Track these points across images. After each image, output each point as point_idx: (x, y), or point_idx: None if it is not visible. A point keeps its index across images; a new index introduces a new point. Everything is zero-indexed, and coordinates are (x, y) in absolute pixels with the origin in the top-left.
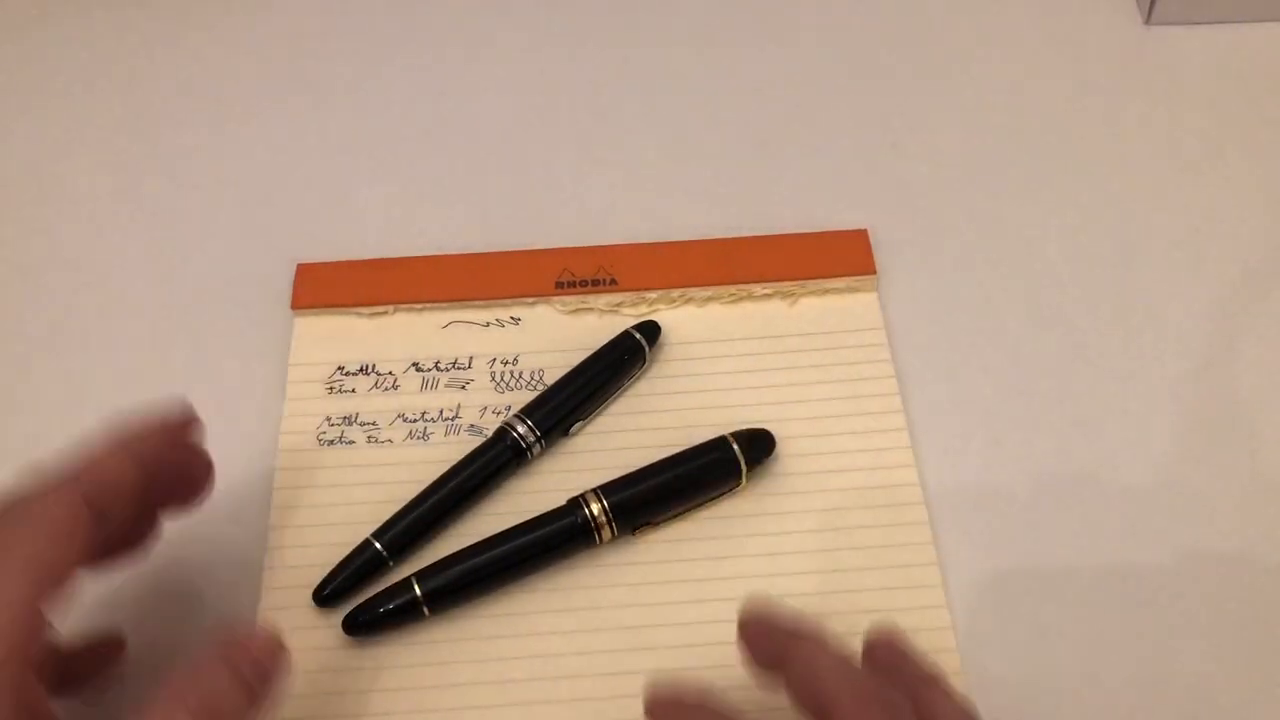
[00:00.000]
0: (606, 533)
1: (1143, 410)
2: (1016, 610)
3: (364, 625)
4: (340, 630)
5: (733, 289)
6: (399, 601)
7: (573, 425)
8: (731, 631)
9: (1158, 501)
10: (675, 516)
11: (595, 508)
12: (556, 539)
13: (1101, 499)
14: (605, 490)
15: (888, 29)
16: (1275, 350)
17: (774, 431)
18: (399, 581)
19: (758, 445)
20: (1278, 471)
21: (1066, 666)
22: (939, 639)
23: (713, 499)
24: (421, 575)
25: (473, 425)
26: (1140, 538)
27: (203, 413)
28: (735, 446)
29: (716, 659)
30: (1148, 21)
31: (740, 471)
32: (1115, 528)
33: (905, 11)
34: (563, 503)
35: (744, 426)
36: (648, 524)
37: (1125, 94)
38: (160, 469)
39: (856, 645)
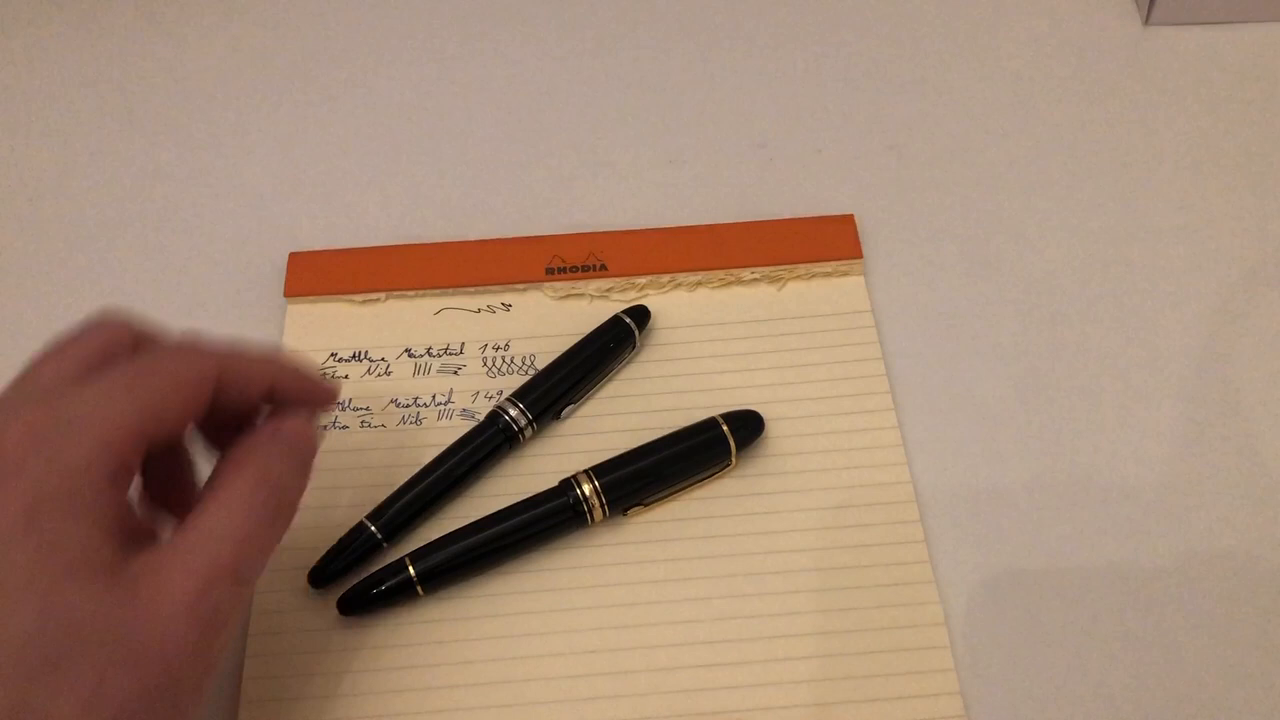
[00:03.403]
0: (598, 513)
1: (1140, 408)
2: (1012, 605)
3: (359, 605)
4: (335, 611)
5: (721, 274)
6: (393, 582)
7: (564, 409)
8: (723, 610)
9: (1157, 501)
10: (666, 497)
11: (587, 488)
12: (548, 519)
13: (1098, 494)
14: (597, 471)
15: (886, 25)
16: (1275, 350)
17: (763, 413)
18: (393, 562)
19: (747, 426)
20: (1278, 471)
21: (1063, 667)
22: (930, 624)
23: (703, 479)
24: (415, 556)
25: (465, 409)
26: (1139, 537)
27: None
28: (725, 427)
29: (707, 636)
30: (1147, 22)
31: (730, 452)
32: (1113, 526)
33: (904, 8)
34: (554, 484)
35: (734, 408)
36: (639, 504)
37: (1124, 94)
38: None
39: (850, 641)
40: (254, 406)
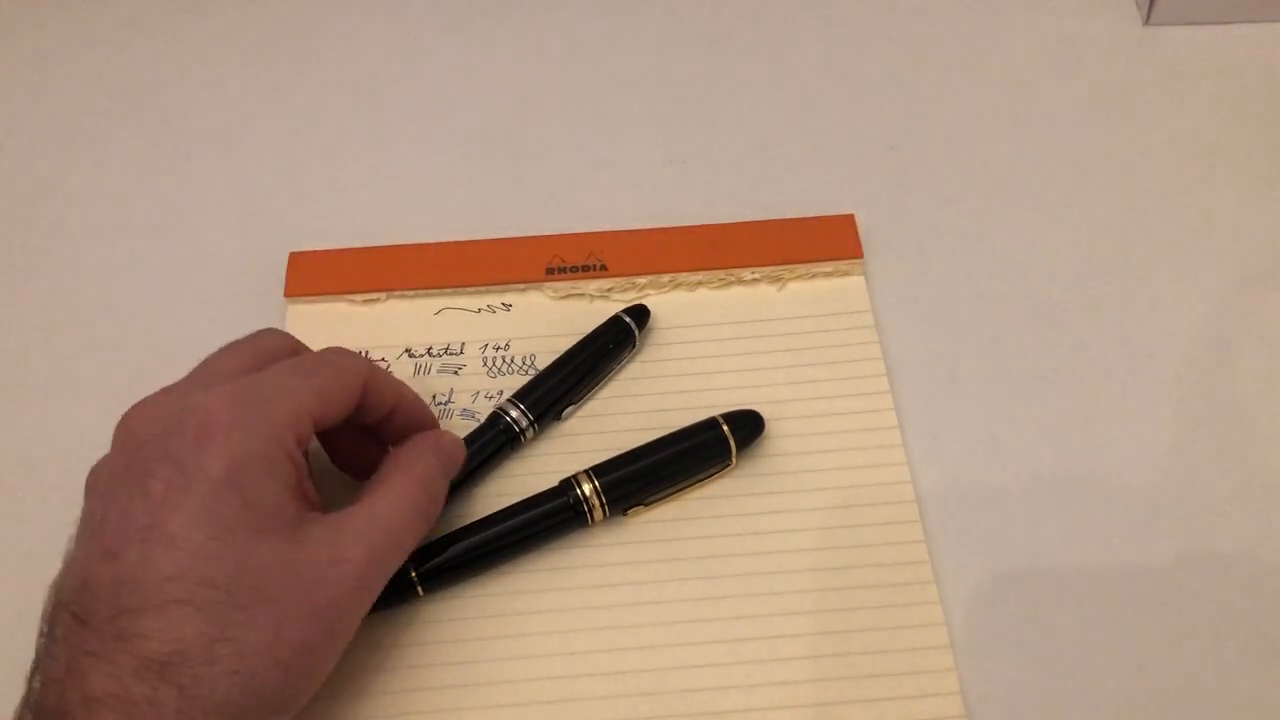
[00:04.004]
0: (598, 513)
1: (1140, 408)
2: (1012, 605)
3: None
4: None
5: (721, 274)
6: (393, 582)
7: (565, 409)
8: (723, 609)
9: (1157, 501)
10: (666, 497)
11: (587, 488)
12: (549, 519)
13: (1098, 494)
14: (597, 471)
15: (886, 25)
16: (1275, 350)
17: (763, 413)
18: None
19: (747, 426)
20: (1278, 471)
21: (1063, 666)
22: (931, 624)
23: (703, 479)
24: (415, 556)
25: (465, 410)
26: (1139, 537)
27: None
28: (725, 427)
29: (707, 636)
30: (1147, 22)
31: (730, 452)
32: (1113, 526)
33: (904, 9)
34: (555, 484)
35: (734, 408)
36: (639, 504)
37: (1125, 94)
38: (393, 431)
39: (850, 641)
40: (381, 418)
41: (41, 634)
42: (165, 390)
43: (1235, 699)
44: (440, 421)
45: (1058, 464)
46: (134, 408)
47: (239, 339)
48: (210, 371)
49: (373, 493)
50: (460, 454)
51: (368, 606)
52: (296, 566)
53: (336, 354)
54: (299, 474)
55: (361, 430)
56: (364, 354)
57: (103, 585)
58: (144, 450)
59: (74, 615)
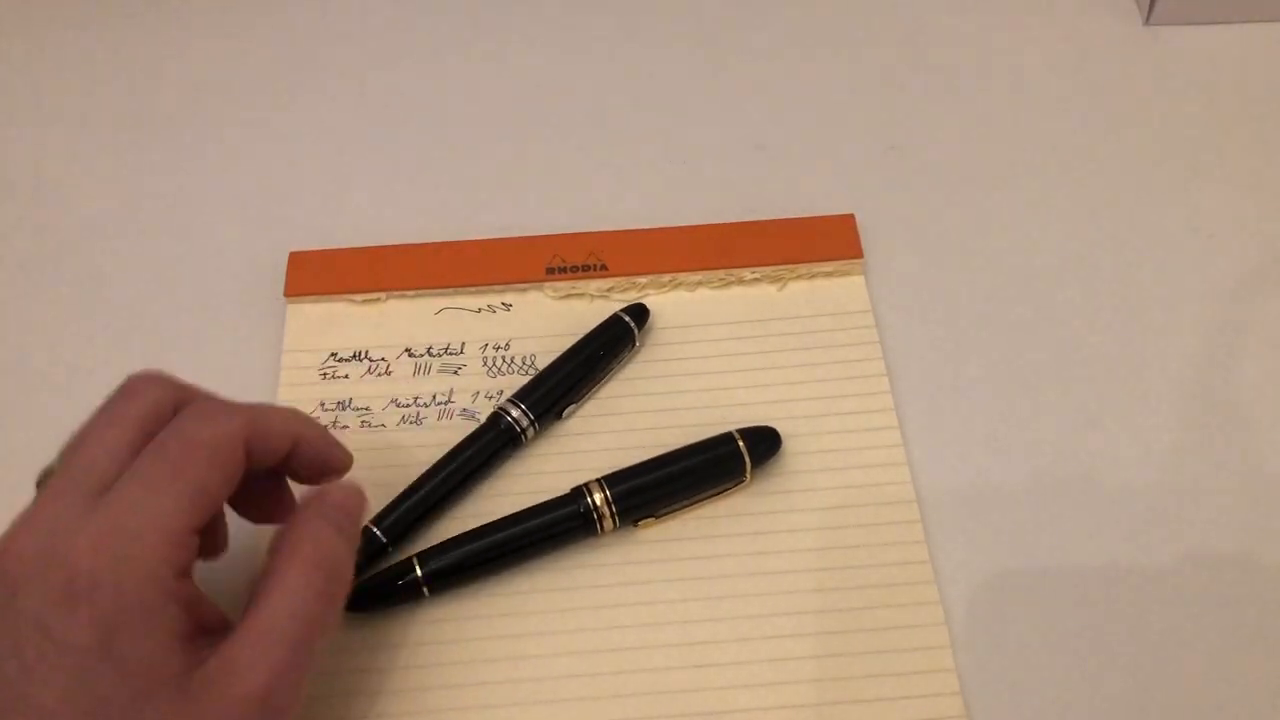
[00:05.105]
0: (608, 523)
1: (1141, 408)
2: (1012, 605)
3: (365, 603)
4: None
5: (722, 274)
6: (400, 582)
7: (565, 409)
8: (725, 610)
9: (1157, 501)
10: (677, 510)
11: (598, 497)
12: (558, 527)
13: (1098, 494)
14: (609, 480)
15: (886, 25)
16: (1275, 350)
17: (762, 413)
18: (400, 561)
19: (763, 443)
20: (1278, 471)
21: (1063, 667)
22: (931, 624)
23: (715, 494)
24: (423, 556)
25: (465, 409)
26: (1139, 537)
27: None
28: (741, 444)
29: (709, 636)
30: (1147, 22)
31: (745, 469)
32: (1113, 526)
33: (904, 9)
34: (558, 485)
35: (749, 424)
36: (650, 516)
37: (1124, 94)
38: (296, 471)
39: (850, 641)
40: (278, 462)
41: None
42: (41, 501)
43: (1236, 699)
44: (439, 421)
45: (1058, 464)
46: (10, 535)
47: (111, 405)
48: (86, 468)
49: (264, 594)
50: (361, 502)
51: (294, 711)
52: None
53: (205, 425)
54: (184, 606)
55: (259, 474)
56: (362, 354)
57: None
58: (16, 601)
59: None
